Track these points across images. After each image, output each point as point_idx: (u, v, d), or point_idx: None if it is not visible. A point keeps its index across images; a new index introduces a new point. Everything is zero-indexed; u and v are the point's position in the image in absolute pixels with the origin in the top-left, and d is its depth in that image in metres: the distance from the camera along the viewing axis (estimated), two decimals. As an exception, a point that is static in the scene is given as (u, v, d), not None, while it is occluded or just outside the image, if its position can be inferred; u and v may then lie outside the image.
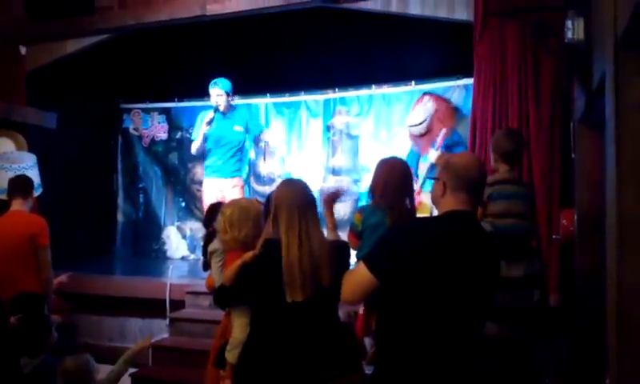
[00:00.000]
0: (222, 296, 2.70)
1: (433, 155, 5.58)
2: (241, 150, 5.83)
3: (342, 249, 2.59)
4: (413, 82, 6.50)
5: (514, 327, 2.93)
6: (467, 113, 5.07)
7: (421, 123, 5.92)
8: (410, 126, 5.99)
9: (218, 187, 5.64)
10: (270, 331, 2.47)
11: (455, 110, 6.06)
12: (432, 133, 5.84)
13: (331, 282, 2.41)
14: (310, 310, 2.43)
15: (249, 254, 2.49)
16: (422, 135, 5.93)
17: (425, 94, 6.17)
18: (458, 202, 2.09)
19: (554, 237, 4.15)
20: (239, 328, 2.62)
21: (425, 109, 5.97)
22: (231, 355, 2.62)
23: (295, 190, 2.51)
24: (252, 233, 2.66)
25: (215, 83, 5.62)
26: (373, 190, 3.18)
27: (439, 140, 5.73)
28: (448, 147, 5.63)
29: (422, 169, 5.74)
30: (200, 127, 5.67)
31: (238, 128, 5.72)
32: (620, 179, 2.23)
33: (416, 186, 5.20)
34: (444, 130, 5.77)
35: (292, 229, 2.40)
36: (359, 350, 3.42)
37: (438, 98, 6.06)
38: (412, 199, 3.10)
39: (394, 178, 3.10)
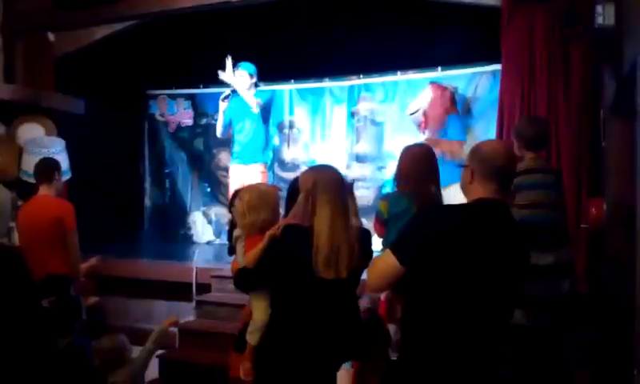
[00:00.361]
0: (243, 279, 2.72)
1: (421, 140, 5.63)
2: (263, 135, 5.88)
3: (366, 235, 2.62)
4: (439, 68, 6.44)
5: (542, 316, 2.92)
6: (495, 99, 5.02)
7: (415, 112, 5.92)
8: (410, 115, 6.00)
9: (241, 173, 5.71)
10: (291, 313, 2.50)
11: (454, 96, 5.95)
12: (430, 120, 5.79)
13: (360, 265, 2.46)
14: (335, 292, 2.47)
15: (269, 233, 2.51)
16: (421, 123, 5.90)
17: (430, 83, 6.11)
18: (486, 190, 2.07)
19: (582, 226, 4.11)
20: (260, 310, 2.64)
21: (421, 98, 5.95)
22: (252, 337, 2.64)
23: (333, 174, 2.56)
24: (271, 217, 2.68)
25: (238, 65, 5.74)
26: (398, 177, 3.17)
27: (422, 125, 5.78)
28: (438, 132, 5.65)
29: None
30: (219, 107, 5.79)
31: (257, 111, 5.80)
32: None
33: None
34: (418, 110, 5.80)
35: (336, 210, 2.45)
36: (385, 336, 3.45)
37: (436, 85, 6.00)
38: (438, 186, 3.08)
39: (418, 165, 3.07)
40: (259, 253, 2.54)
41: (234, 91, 5.71)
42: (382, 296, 3.92)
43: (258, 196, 2.72)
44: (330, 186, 2.49)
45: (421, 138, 5.66)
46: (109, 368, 3.29)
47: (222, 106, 5.75)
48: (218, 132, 5.93)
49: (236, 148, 5.86)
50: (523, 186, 3.04)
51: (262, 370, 2.59)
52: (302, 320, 2.48)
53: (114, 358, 3.31)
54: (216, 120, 6.92)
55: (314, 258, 2.41)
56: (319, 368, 2.53)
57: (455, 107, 5.75)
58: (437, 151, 5.34)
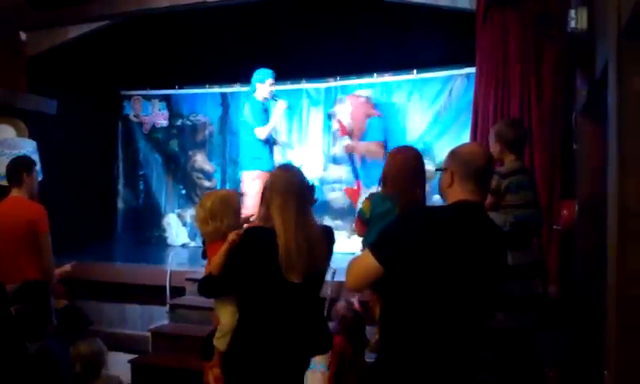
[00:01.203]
0: (208, 286, 2.68)
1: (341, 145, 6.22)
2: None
3: (329, 234, 2.62)
4: (414, 71, 6.49)
5: (520, 315, 2.98)
6: (469, 102, 5.07)
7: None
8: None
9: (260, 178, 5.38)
10: (261, 316, 2.48)
11: (369, 100, 6.54)
12: (354, 126, 6.41)
13: (325, 266, 2.45)
14: (302, 293, 2.46)
15: (231, 237, 2.50)
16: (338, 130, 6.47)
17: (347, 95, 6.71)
18: (466, 192, 2.08)
19: (554, 227, 4.16)
20: (227, 315, 2.60)
21: (342, 110, 6.54)
22: (220, 343, 2.60)
23: (290, 175, 2.54)
24: (234, 223, 2.64)
25: (274, 74, 5.61)
26: (384, 178, 3.14)
27: (340, 131, 6.38)
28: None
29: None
30: (273, 114, 5.60)
31: None
32: (621, 171, 2.22)
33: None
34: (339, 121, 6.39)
35: (288, 212, 2.43)
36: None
37: (352, 96, 6.58)
38: (423, 189, 3.07)
39: (405, 167, 3.05)
40: (222, 258, 2.51)
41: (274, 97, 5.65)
42: (355, 302, 3.93)
43: (220, 202, 2.67)
44: (285, 186, 2.48)
45: (339, 143, 6.29)
46: (90, 373, 3.21)
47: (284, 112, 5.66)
48: (266, 134, 5.50)
49: (267, 154, 5.60)
50: (513, 187, 3.11)
51: (232, 376, 2.55)
52: (269, 322, 2.46)
53: (94, 363, 3.25)
54: (191, 122, 6.90)
55: (276, 260, 2.39)
56: (288, 369, 2.51)
57: (375, 110, 6.23)
58: (357, 154, 6.02)
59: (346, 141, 6.09)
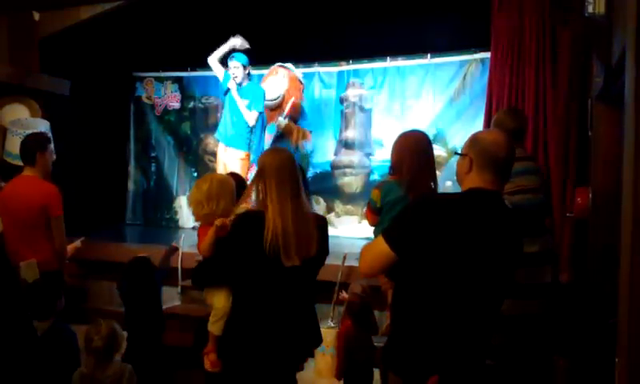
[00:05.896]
0: (202, 273, 2.69)
1: (281, 122, 6.67)
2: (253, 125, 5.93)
3: (321, 221, 2.61)
4: (428, 55, 6.43)
5: (528, 303, 2.95)
6: (484, 87, 5.02)
7: (277, 98, 6.67)
8: (267, 101, 6.47)
9: (223, 153, 5.98)
10: (253, 300, 2.48)
11: (302, 86, 6.89)
12: (282, 105, 6.73)
13: (317, 251, 2.45)
14: (297, 277, 2.46)
15: (217, 222, 2.51)
16: (274, 109, 6.72)
17: (279, 66, 6.86)
18: (483, 181, 2.05)
19: (567, 215, 4.13)
20: (221, 298, 2.62)
21: (280, 84, 6.75)
22: (215, 327, 2.62)
23: (284, 158, 2.52)
24: (229, 207, 2.66)
25: (232, 56, 5.92)
26: (394, 164, 3.10)
27: (287, 109, 6.63)
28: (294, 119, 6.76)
29: (268, 138, 6.55)
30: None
31: (247, 102, 5.89)
32: (637, 158, 2.19)
33: None
34: (293, 99, 6.70)
35: (285, 195, 2.41)
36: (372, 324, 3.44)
37: (290, 73, 6.81)
38: (434, 174, 3.04)
39: (415, 152, 3.01)
40: (210, 240, 2.54)
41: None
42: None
43: (218, 185, 2.68)
44: (279, 172, 2.46)
45: (280, 120, 6.70)
46: (107, 352, 3.21)
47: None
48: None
49: (223, 127, 6.13)
50: (512, 174, 3.06)
51: (228, 360, 2.57)
52: (261, 306, 2.46)
53: (115, 343, 3.25)
54: (203, 104, 6.92)
55: (264, 244, 2.38)
56: (282, 354, 2.51)
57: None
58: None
59: (285, 120, 6.72)
